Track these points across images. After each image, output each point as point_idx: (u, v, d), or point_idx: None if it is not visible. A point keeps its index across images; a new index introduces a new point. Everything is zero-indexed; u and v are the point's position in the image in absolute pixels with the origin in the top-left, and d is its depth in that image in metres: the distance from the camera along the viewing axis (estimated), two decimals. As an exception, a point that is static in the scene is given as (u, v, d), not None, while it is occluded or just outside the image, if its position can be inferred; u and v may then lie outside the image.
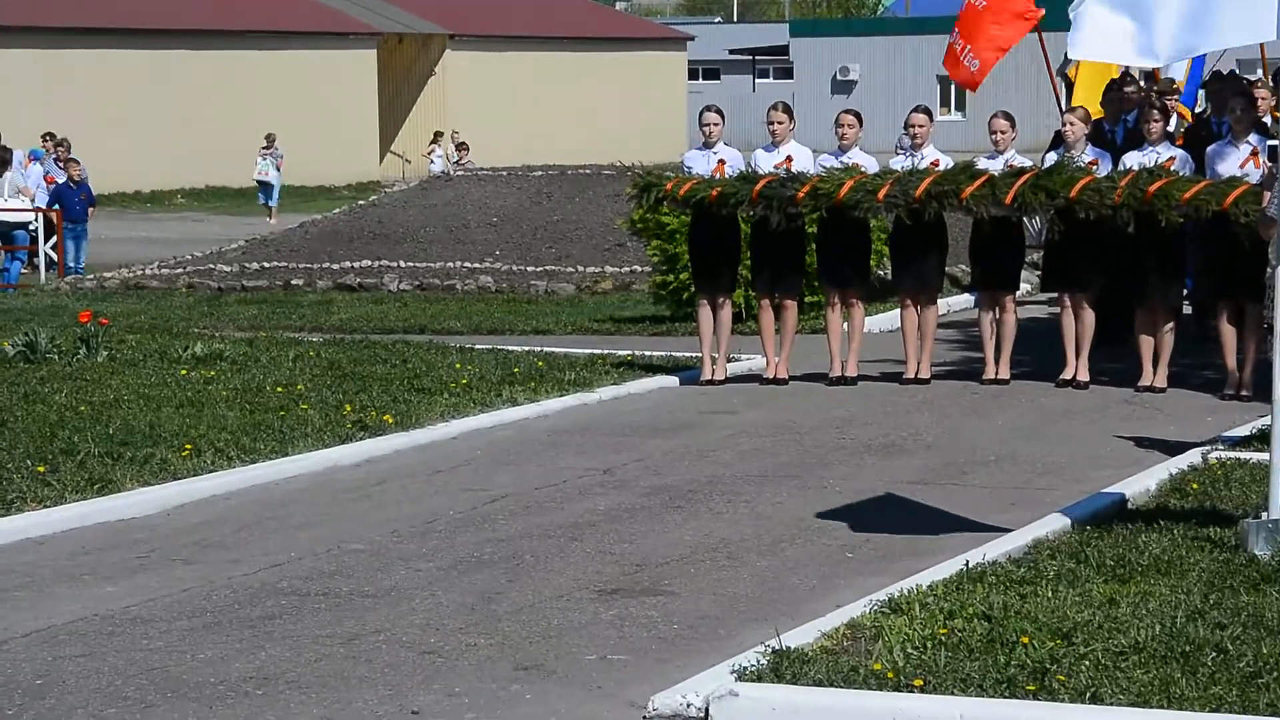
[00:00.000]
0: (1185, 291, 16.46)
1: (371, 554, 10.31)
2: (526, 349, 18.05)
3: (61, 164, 30.79)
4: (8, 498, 11.26)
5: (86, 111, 44.71)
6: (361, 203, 32.20)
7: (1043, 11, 18.15)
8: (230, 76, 51.85)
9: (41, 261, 29.36)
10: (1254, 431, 12.91)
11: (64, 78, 47.20)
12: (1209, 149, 15.80)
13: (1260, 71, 18.73)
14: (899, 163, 16.37)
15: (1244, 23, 9.36)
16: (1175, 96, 16.84)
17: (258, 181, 42.81)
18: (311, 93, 53.92)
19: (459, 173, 33.88)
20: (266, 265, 26.81)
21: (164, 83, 50.21)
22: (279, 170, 42.56)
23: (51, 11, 49.35)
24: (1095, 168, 15.68)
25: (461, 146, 46.38)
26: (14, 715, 7.57)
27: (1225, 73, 19.50)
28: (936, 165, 15.99)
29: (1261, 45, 14.83)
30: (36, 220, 29.45)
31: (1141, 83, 18.46)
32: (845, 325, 16.33)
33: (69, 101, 45.14)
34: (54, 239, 29.38)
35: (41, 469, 11.93)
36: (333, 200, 39.80)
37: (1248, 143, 15.36)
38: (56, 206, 29.67)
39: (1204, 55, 15.52)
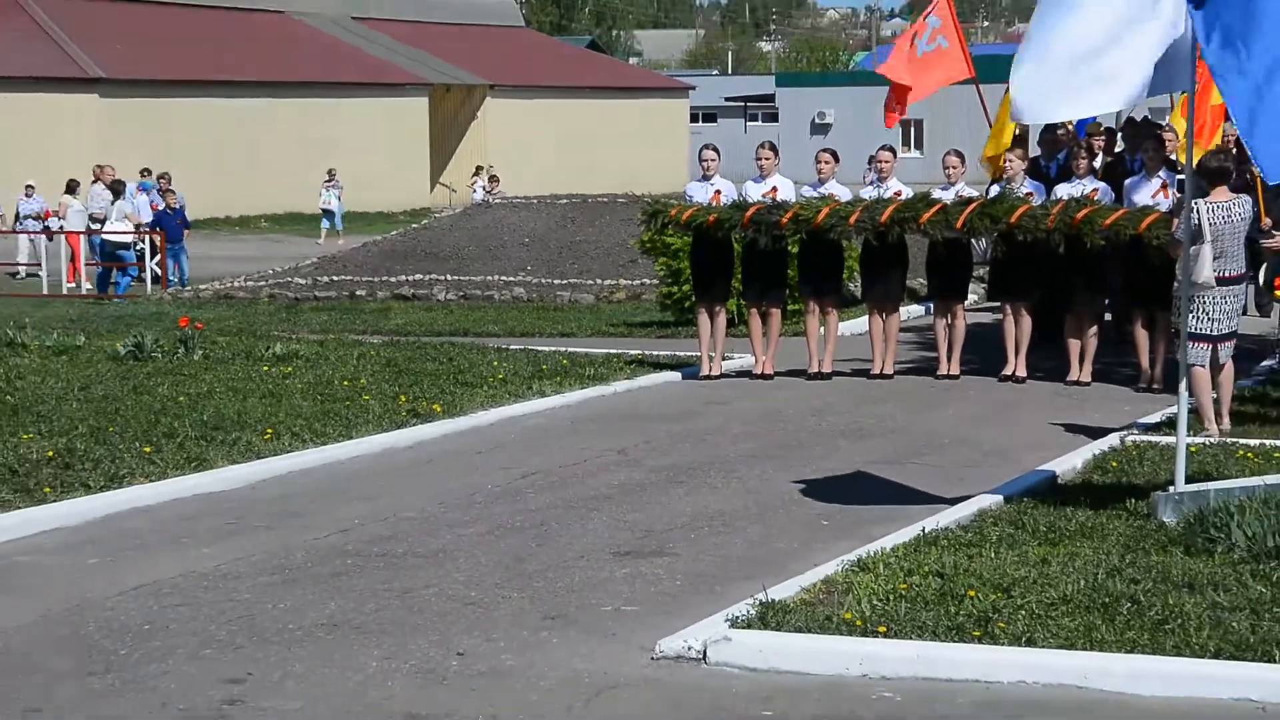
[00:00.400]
0: (1106, 301, 16.50)
1: (422, 521, 10.36)
2: (553, 349, 18.04)
3: (162, 194, 30.91)
4: (120, 473, 11.29)
5: (185, 150, 44.70)
6: (415, 226, 32.08)
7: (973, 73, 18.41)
8: (306, 120, 51.84)
9: (148, 275, 29.37)
10: (1163, 419, 12.93)
11: (166, 122, 47.21)
12: (1126, 182, 15.84)
13: (1168, 118, 18.75)
14: (868, 193, 16.37)
15: (1165, 80, 9.40)
16: (1101, 137, 16.84)
17: (322, 210, 42.88)
18: (374, 134, 53.92)
19: (496, 200, 33.88)
20: (335, 278, 26.83)
21: (249, 125, 50.23)
22: (339, 199, 42.60)
23: (157, 67, 49.38)
24: (1031, 198, 15.73)
25: (493, 179, 46.35)
26: (125, 654, 7.67)
27: (1139, 119, 19.53)
28: (899, 195, 16.00)
29: (1170, 95, 14.85)
30: (143, 241, 29.53)
31: (1071, 126, 18.50)
32: (822, 329, 16.36)
33: (171, 141, 45.13)
34: (158, 256, 29.47)
35: (148, 449, 11.97)
36: (390, 224, 39.71)
37: (1159, 177, 15.41)
38: (159, 229, 29.77)
39: None
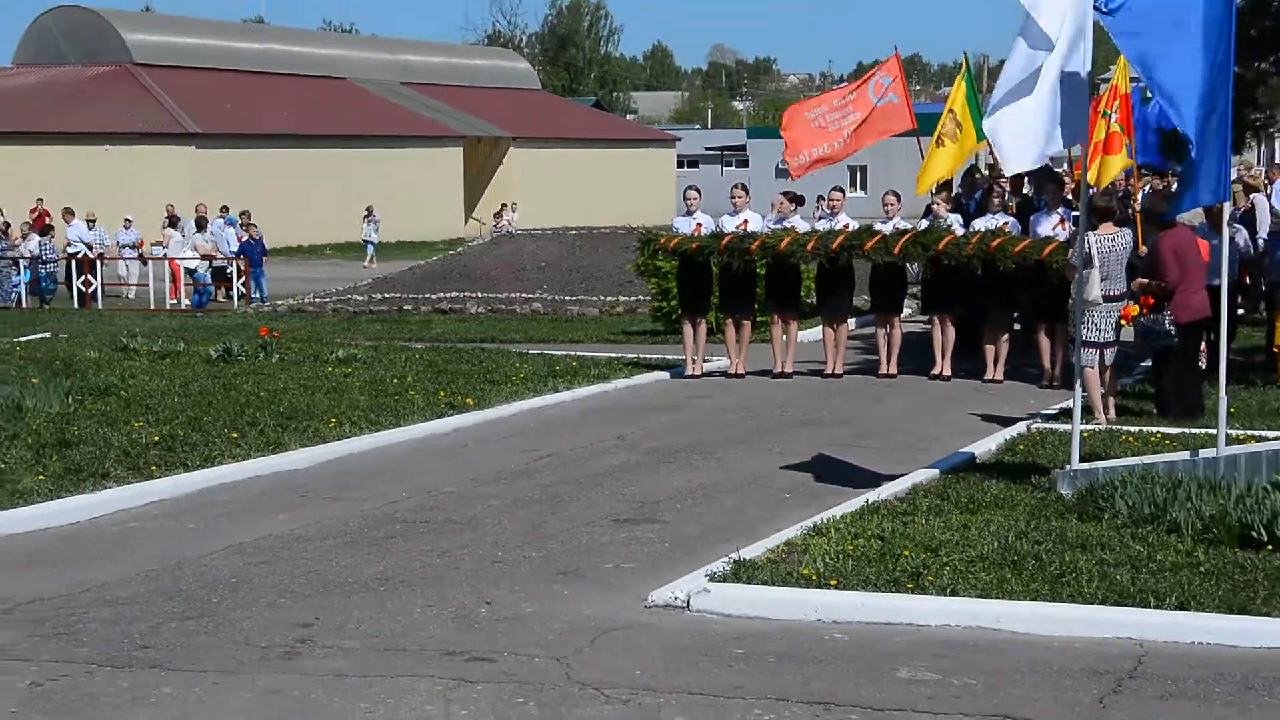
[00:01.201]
0: (1016, 314, 16.52)
1: (458, 494, 10.38)
2: (564, 353, 18.04)
3: (245, 228, 30.97)
4: (212, 455, 11.36)
5: (263, 191, 44.64)
6: (451, 253, 32.08)
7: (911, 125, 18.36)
8: (363, 165, 51.78)
9: (235, 294, 29.42)
10: (1060, 410, 12.98)
11: (249, 168, 47.16)
12: (1032, 217, 15.89)
13: (1066, 164, 18.81)
14: (821, 226, 16.42)
15: (1070, 134, 9.40)
16: (1006, 180, 16.85)
17: (363, 240, 43.03)
18: (418, 177, 53.86)
19: (519, 231, 33.87)
20: (386, 295, 26.82)
21: (317, 170, 50.17)
22: (376, 232, 42.74)
23: (242, 124, 49.34)
24: (955, 229, 15.76)
25: (498, 212, 46.69)
26: (218, 602, 7.71)
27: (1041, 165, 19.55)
28: (847, 228, 16.02)
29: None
30: (230, 266, 29.60)
31: (985, 171, 18.56)
32: (784, 337, 16.37)
33: (251, 184, 45.09)
34: (243, 278, 29.50)
35: (234, 435, 12.02)
36: (431, 251, 39.66)
37: (1058, 213, 15.45)
38: (243, 256, 29.77)
39: None
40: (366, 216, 42.67)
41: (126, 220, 32.43)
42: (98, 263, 29.91)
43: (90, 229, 30.57)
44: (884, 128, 17.83)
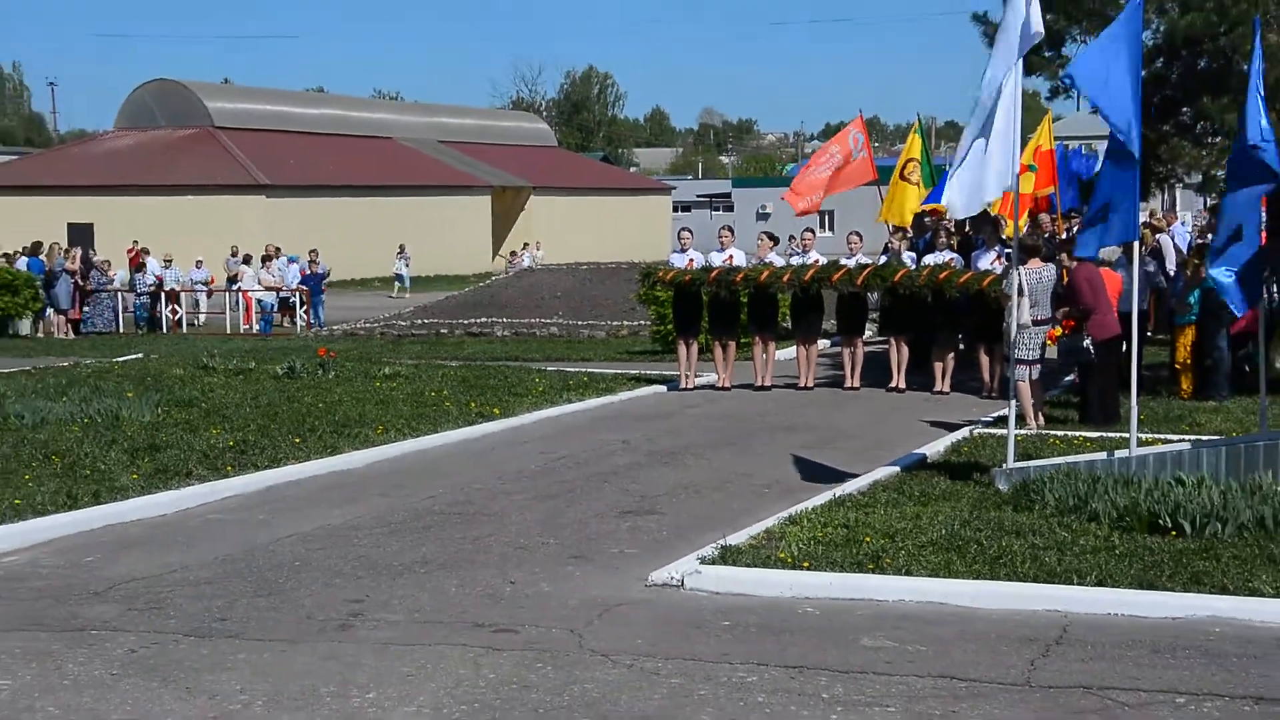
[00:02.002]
0: (960, 335, 16.53)
1: (487, 490, 10.37)
2: (577, 370, 18.06)
3: (311, 264, 31.03)
4: (278, 457, 11.36)
5: (323, 232, 44.67)
6: (481, 285, 32.15)
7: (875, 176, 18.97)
8: (407, 211, 51.75)
9: (298, 320, 29.43)
10: (997, 418, 12.99)
11: (311, 213, 47.27)
12: (973, 254, 15.89)
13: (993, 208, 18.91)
14: (795, 261, 16.45)
15: (998, 185, 9.45)
16: (950, 222, 16.93)
17: (395, 275, 43.21)
18: (453, 220, 53.85)
19: (539, 266, 33.90)
20: (426, 321, 26.80)
21: (368, 214, 50.14)
22: (407, 267, 42.92)
23: (305, 176, 49.33)
24: (908, 264, 15.78)
25: (512, 253, 46.87)
26: (281, 581, 7.71)
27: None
28: (817, 263, 16.04)
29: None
30: (294, 297, 29.66)
31: (934, 213, 18.60)
32: (764, 356, 16.37)
33: (314, 227, 45.19)
34: (305, 306, 29.52)
35: (297, 440, 12.05)
36: (464, 283, 39.70)
37: (995, 250, 15.45)
38: (305, 287, 29.80)
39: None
40: (399, 253, 42.89)
41: (198, 261, 32.50)
42: (182, 295, 29.98)
43: (166, 268, 30.58)
44: (854, 179, 18.68)
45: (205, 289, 31.79)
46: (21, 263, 28.05)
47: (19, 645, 6.53)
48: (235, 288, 30.60)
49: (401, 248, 43.07)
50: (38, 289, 26.71)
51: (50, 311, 27.12)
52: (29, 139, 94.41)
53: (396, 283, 42.22)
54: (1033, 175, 17.41)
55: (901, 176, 18.87)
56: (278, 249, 33.16)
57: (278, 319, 29.65)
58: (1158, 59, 15.03)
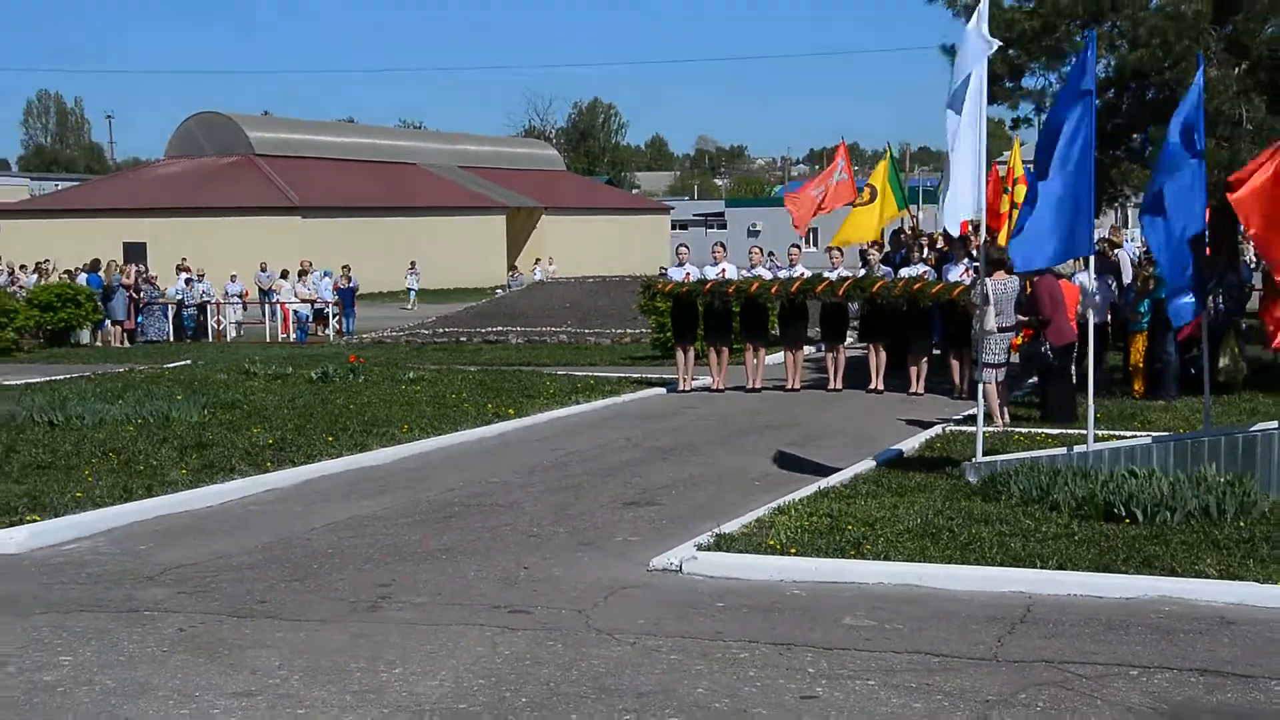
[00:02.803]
0: (934, 340, 16.53)
1: (502, 484, 10.35)
2: (584, 374, 18.04)
3: (344, 278, 31.04)
4: (313, 454, 11.32)
5: (354, 250, 44.65)
6: (497, 296, 32.21)
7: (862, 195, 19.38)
8: (430, 230, 51.85)
9: (331, 329, 29.43)
10: (966, 416, 12.97)
11: (343, 232, 47.33)
12: (945, 267, 15.89)
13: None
14: (783, 274, 16.45)
15: (976, 204, 9.45)
16: (925, 237, 16.97)
17: (407, 288, 43.33)
18: (471, 238, 53.93)
19: (549, 279, 33.90)
20: (446, 330, 26.80)
21: (393, 234, 50.16)
22: (418, 281, 43.00)
23: (338, 198, 49.48)
24: (885, 276, 15.77)
25: (515, 269, 46.94)
26: (316, 567, 7.68)
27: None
28: (803, 276, 16.06)
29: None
30: (328, 308, 29.66)
31: (909, 231, 18.65)
32: (755, 360, 16.37)
33: (344, 245, 45.06)
34: (338, 316, 29.52)
35: (330, 439, 12.03)
36: (481, 295, 39.69)
37: (963, 264, 15.45)
38: (337, 299, 29.79)
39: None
40: (410, 269, 43.09)
41: (232, 275, 32.50)
42: (228, 307, 29.96)
43: (199, 282, 30.53)
44: (838, 199, 19.14)
45: (240, 301, 31.83)
46: (82, 278, 28.27)
47: (80, 625, 6.53)
48: (274, 299, 30.58)
49: (412, 264, 43.19)
50: (97, 302, 26.83)
51: (108, 322, 27.22)
52: (89, 167, 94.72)
53: (410, 295, 42.37)
54: (1007, 197, 17.58)
55: (854, 204, 19.37)
56: (310, 264, 33.21)
57: (312, 329, 29.65)
58: (1109, 90, 15.06)
